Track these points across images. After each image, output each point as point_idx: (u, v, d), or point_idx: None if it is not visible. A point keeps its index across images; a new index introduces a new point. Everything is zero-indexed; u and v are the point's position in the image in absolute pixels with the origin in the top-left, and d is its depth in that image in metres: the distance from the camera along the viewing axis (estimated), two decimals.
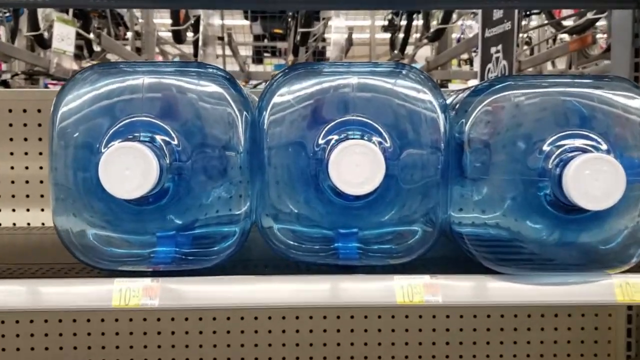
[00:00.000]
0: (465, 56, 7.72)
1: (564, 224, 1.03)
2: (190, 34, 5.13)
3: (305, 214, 1.05)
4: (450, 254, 1.15)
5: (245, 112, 1.04)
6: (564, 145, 1.00)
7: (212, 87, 1.03)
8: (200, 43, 4.17)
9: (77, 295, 1.02)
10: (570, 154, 0.98)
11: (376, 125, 1.00)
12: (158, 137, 0.98)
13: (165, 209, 1.03)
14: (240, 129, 1.02)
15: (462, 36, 7.18)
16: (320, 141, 1.00)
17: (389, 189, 1.00)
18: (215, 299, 1.03)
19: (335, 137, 1.00)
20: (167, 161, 0.96)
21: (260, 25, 5.67)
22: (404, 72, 1.06)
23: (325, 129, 1.01)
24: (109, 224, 1.05)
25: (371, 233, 1.08)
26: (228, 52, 5.98)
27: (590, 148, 1.00)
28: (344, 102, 1.01)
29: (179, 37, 4.83)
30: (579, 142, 1.00)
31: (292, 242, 1.08)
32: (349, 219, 1.05)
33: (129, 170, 0.90)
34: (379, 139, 0.99)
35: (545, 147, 1.01)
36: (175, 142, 0.99)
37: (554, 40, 6.40)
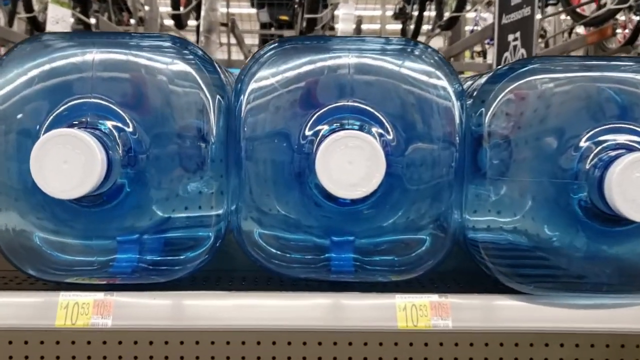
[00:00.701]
0: (478, 48, 7.50)
1: (601, 235, 0.85)
2: (193, 22, 4.94)
3: (290, 218, 0.87)
4: (463, 268, 0.97)
5: (218, 96, 0.86)
6: (605, 141, 0.82)
7: (179, 65, 0.85)
8: (201, 29, 3.99)
9: (10, 311, 0.84)
10: (614, 153, 0.79)
11: (377, 114, 0.82)
12: (109, 124, 0.80)
13: (122, 210, 0.85)
14: (212, 115, 0.84)
15: (475, 28, 6.97)
16: (308, 132, 0.82)
17: (392, 191, 0.82)
18: (183, 318, 0.85)
19: (326, 127, 0.82)
20: (119, 152, 0.79)
21: (267, 12, 5.48)
22: (414, 51, 0.87)
23: (314, 117, 0.83)
24: (56, 226, 0.87)
25: (370, 242, 0.90)
26: (233, 40, 5.79)
27: (637, 145, 0.81)
28: (339, 85, 0.83)
29: (179, 22, 4.64)
30: (623, 138, 0.82)
31: (274, 251, 0.90)
32: (343, 224, 0.87)
33: (67, 163, 0.72)
34: (380, 131, 0.81)
35: (582, 144, 0.82)
36: (131, 129, 0.81)
37: (570, 33, 6.18)
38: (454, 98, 0.84)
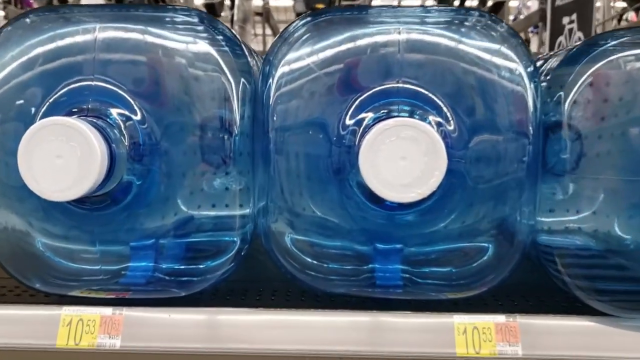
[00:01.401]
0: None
1: None
2: (226, 13, 4.81)
3: (327, 221, 0.73)
4: (530, 282, 0.82)
5: (244, 81, 0.72)
6: None
7: (200, 46, 0.71)
8: (235, 18, 3.86)
9: (4, 328, 0.72)
10: None
11: (434, 99, 0.67)
12: (114, 112, 0.67)
13: (133, 212, 0.73)
14: (235, 103, 0.71)
15: (519, 16, 6.71)
16: (348, 120, 0.68)
17: (451, 191, 0.68)
18: (204, 340, 0.72)
19: (371, 114, 0.67)
20: (125, 145, 0.66)
21: (303, 2, 5.33)
22: (476, 22, 0.72)
23: (357, 102, 0.68)
24: (60, 230, 0.75)
25: (421, 251, 0.75)
26: (268, 31, 5.65)
27: None
28: (387, 65, 0.69)
29: (213, 11, 4.51)
30: None
31: (309, 260, 0.76)
32: (391, 230, 0.73)
33: (61, 158, 0.59)
34: (438, 119, 0.66)
35: None
36: (139, 118, 0.68)
37: (619, 20, 5.90)
38: (526, 80, 0.69)
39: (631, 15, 5.23)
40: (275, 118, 0.71)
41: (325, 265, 0.76)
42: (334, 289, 0.77)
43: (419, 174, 0.59)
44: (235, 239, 0.73)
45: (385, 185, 0.59)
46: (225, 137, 0.70)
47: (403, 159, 0.59)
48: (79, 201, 0.66)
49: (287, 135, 0.71)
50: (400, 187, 0.58)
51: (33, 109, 0.68)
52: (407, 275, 0.76)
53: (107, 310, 0.73)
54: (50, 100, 0.67)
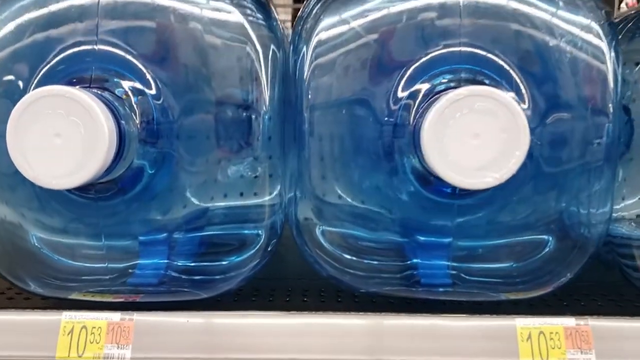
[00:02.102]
0: None
1: None
2: None
3: (369, 211, 0.63)
4: (599, 280, 0.71)
5: (274, 49, 0.61)
6: None
7: (220, 7, 0.59)
8: None
9: None
10: None
11: (503, 67, 0.55)
12: (122, 83, 0.55)
13: (144, 201, 0.61)
14: (264, 76, 0.59)
15: None
16: (401, 93, 0.57)
17: (521, 175, 0.56)
18: (228, 348, 0.61)
19: (426, 86, 0.56)
20: (136, 123, 0.54)
21: None
22: None
23: (410, 72, 0.57)
24: (58, 223, 0.63)
25: (477, 245, 0.64)
26: None
27: None
28: (447, 28, 0.57)
29: None
30: None
31: (344, 255, 0.65)
32: (442, 220, 0.62)
33: (60, 137, 0.48)
34: (509, 93, 0.55)
35: None
36: (154, 91, 0.56)
37: None
38: (605, 50, 0.58)
39: None
40: (310, 94, 0.59)
41: (363, 261, 0.65)
42: (373, 287, 0.66)
43: (496, 155, 0.47)
44: (263, 231, 0.63)
45: (454, 169, 0.47)
46: (253, 116, 0.59)
47: (476, 137, 0.48)
48: (81, 189, 0.55)
49: (325, 113, 0.59)
50: (473, 171, 0.47)
51: (22, 83, 0.56)
52: (456, 272, 0.65)
53: (115, 316, 0.62)
54: (44, 70, 0.55)
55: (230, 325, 0.61)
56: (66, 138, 0.47)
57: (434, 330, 0.61)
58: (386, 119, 0.57)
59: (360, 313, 0.61)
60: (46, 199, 0.58)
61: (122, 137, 0.51)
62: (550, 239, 0.63)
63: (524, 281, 0.64)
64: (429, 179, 0.55)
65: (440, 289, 0.65)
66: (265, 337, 0.60)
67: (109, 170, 0.50)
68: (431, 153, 0.47)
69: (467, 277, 0.65)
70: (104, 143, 0.47)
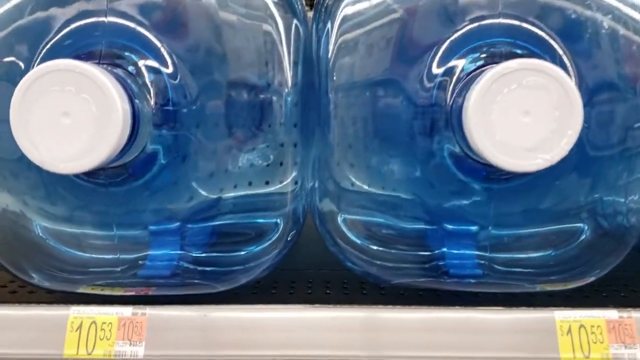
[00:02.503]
0: None
1: None
2: None
3: (399, 199, 0.58)
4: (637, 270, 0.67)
5: (297, 25, 0.56)
6: None
7: None
8: None
9: None
10: None
11: (548, 40, 0.51)
12: (137, 60, 0.51)
13: (156, 188, 0.57)
14: (286, 56, 0.55)
15: None
16: (436, 69, 0.52)
17: (565, 159, 0.52)
18: (249, 345, 0.57)
19: (462, 62, 0.52)
20: (151, 104, 0.50)
21: None
22: None
23: (444, 47, 0.52)
24: (64, 211, 0.59)
25: (510, 234, 0.60)
26: None
27: None
28: (482, 0, 0.53)
29: None
30: None
31: (370, 246, 0.60)
32: (476, 207, 0.58)
33: (69, 117, 0.43)
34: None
35: None
36: (170, 70, 0.52)
37: None
38: None
39: None
40: (335, 75, 0.55)
41: (388, 250, 0.61)
42: (399, 279, 0.62)
43: (547, 134, 0.43)
44: (281, 220, 0.58)
45: (502, 150, 0.43)
46: (275, 98, 0.54)
47: (526, 114, 0.43)
48: (91, 174, 0.50)
49: (352, 94, 0.55)
50: (522, 152, 0.43)
51: (23, 63, 0.52)
52: (487, 262, 0.61)
53: (126, 310, 0.57)
54: (49, 45, 0.50)
55: (251, 319, 0.56)
56: (76, 118, 0.43)
57: (469, 324, 0.57)
58: (419, 99, 0.52)
59: (390, 307, 0.57)
60: (52, 185, 0.54)
61: (135, 118, 0.46)
62: (587, 227, 0.59)
63: (561, 271, 0.60)
64: (465, 162, 0.51)
65: (471, 280, 0.61)
66: (289, 332, 0.56)
67: (122, 153, 0.45)
68: (476, 132, 0.43)
69: (498, 267, 0.61)
70: (118, 123, 0.42)
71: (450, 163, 0.52)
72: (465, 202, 0.57)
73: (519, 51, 0.50)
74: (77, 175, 0.50)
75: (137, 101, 0.46)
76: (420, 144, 0.53)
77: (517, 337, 0.57)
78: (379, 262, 0.61)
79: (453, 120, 0.48)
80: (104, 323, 0.56)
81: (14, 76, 0.53)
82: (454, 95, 0.49)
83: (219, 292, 0.58)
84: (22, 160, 0.54)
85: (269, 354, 0.55)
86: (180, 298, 0.58)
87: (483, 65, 0.49)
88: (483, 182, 0.53)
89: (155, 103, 0.50)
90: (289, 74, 0.55)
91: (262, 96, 0.55)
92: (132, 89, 0.46)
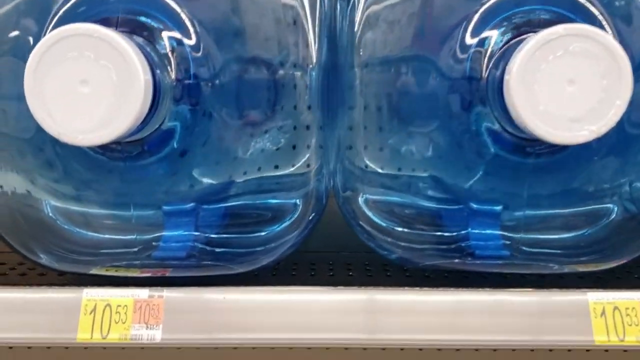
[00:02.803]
0: None
1: None
2: None
3: (420, 178, 0.56)
4: None
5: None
6: None
7: None
8: None
9: (7, 318, 0.54)
10: None
11: (588, 7, 0.48)
12: (157, 29, 0.48)
13: (173, 166, 0.54)
14: (311, 29, 0.52)
15: None
16: (470, 40, 0.50)
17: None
18: (271, 328, 0.54)
19: (499, 31, 0.49)
20: (172, 76, 0.47)
21: None
22: None
23: (478, 15, 0.50)
24: (75, 189, 0.57)
25: (540, 214, 0.58)
26: None
27: None
28: None
29: None
30: None
31: (393, 228, 0.58)
32: (506, 185, 0.56)
33: (87, 85, 0.41)
34: None
35: None
36: (192, 41, 0.49)
37: None
38: None
39: None
40: (362, 49, 0.52)
41: (412, 231, 0.59)
42: (424, 260, 0.60)
43: (594, 104, 0.41)
44: (304, 201, 0.56)
45: (546, 120, 0.41)
46: (298, 73, 0.52)
47: (571, 83, 0.41)
48: (107, 147, 0.48)
49: (379, 70, 0.53)
50: (567, 123, 0.41)
51: (32, 37, 0.49)
52: (514, 243, 0.59)
53: (142, 292, 0.55)
54: (60, 12, 0.48)
55: (273, 301, 0.54)
56: (95, 86, 0.40)
57: (498, 306, 0.55)
58: (452, 72, 0.50)
59: (417, 289, 0.55)
60: (66, 159, 0.51)
61: (156, 89, 0.43)
62: (616, 208, 0.57)
63: (591, 252, 0.58)
64: (500, 137, 0.49)
65: (498, 262, 0.59)
66: (312, 315, 0.54)
67: (143, 124, 0.43)
68: (519, 102, 0.40)
69: (525, 248, 0.59)
70: (140, 92, 0.40)
71: (484, 138, 0.50)
72: (496, 179, 0.55)
73: (557, 19, 0.48)
74: (92, 149, 0.47)
75: (158, 71, 0.44)
76: (453, 119, 0.51)
77: (548, 320, 0.55)
78: (403, 244, 0.59)
79: (490, 92, 0.46)
80: (119, 306, 0.54)
81: (22, 51, 0.50)
82: (489, 67, 0.47)
83: (238, 274, 0.56)
84: (33, 138, 0.52)
85: (292, 337, 0.53)
86: (198, 280, 0.55)
87: (518, 35, 0.47)
88: (518, 157, 0.51)
89: (176, 76, 0.48)
90: (313, 49, 0.53)
91: (285, 72, 0.53)
92: (153, 58, 0.44)
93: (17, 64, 0.49)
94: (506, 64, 0.43)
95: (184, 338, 0.54)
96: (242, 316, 0.54)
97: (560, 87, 0.41)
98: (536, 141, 0.46)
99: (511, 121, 0.44)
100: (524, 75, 0.40)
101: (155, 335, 0.53)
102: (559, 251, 0.59)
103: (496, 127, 0.48)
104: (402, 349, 0.68)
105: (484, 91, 0.47)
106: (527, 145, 0.47)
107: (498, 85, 0.43)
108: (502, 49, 0.46)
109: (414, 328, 0.53)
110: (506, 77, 0.41)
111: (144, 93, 0.40)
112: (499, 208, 0.59)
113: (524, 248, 0.59)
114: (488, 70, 0.46)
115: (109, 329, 0.54)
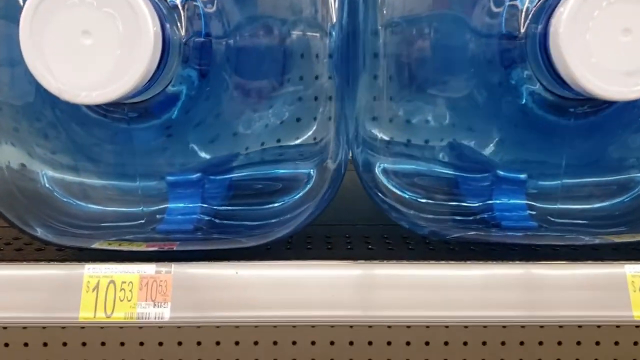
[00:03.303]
0: None
1: None
2: None
3: (451, 145, 0.53)
4: None
5: None
6: None
7: None
8: None
9: (5, 295, 0.51)
10: None
11: None
12: None
13: (179, 132, 0.51)
14: None
15: None
16: None
17: None
18: (285, 305, 0.51)
19: None
20: (183, 33, 0.43)
21: None
22: None
23: None
24: (74, 158, 0.53)
25: (573, 183, 0.55)
26: None
27: None
28: None
29: None
30: None
31: (417, 200, 0.55)
32: (540, 150, 0.52)
33: (90, 36, 0.36)
34: None
35: None
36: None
37: None
38: None
39: None
40: (386, 7, 0.48)
41: (438, 202, 0.55)
42: (447, 232, 0.57)
43: None
44: (316, 171, 0.52)
45: (598, 74, 0.37)
46: (319, 35, 0.48)
47: (627, 33, 0.37)
48: (110, 109, 0.44)
49: (404, 30, 0.48)
50: (623, 77, 0.37)
51: None
52: (542, 213, 0.56)
53: (149, 268, 0.51)
54: None
55: (289, 277, 0.51)
56: (98, 37, 0.36)
57: (530, 280, 0.52)
58: (486, 29, 0.46)
59: (444, 263, 0.52)
60: (65, 124, 0.47)
61: (165, 44, 0.39)
62: None
63: (625, 222, 0.55)
64: (540, 98, 0.45)
65: (527, 233, 0.56)
66: (334, 290, 0.50)
67: (150, 82, 0.39)
68: (568, 55, 0.37)
69: (554, 219, 0.56)
70: (149, 42, 0.35)
71: (521, 100, 0.46)
72: (530, 145, 0.52)
73: None
74: (94, 109, 0.43)
75: (167, 25, 0.39)
76: (487, 80, 0.47)
77: (584, 293, 0.51)
78: (424, 215, 0.55)
79: (529, 47, 0.42)
80: (124, 282, 0.51)
81: (12, 11, 0.46)
82: (528, 20, 0.43)
83: (249, 249, 0.53)
84: (30, 105, 0.48)
85: (314, 315, 0.49)
86: (207, 254, 0.52)
87: None
88: (557, 118, 0.47)
89: (186, 32, 0.44)
90: (334, 7, 0.49)
91: (301, 32, 0.49)
92: (161, 9, 0.40)
93: (8, 27, 0.45)
94: (549, 15, 0.39)
95: (194, 316, 0.50)
96: (256, 292, 0.51)
97: (614, 38, 0.37)
98: (578, 100, 0.43)
99: (554, 78, 0.40)
100: (574, 24, 0.37)
101: (163, 313, 0.50)
102: (590, 222, 0.56)
103: (536, 86, 0.44)
104: (427, 327, 0.65)
105: (523, 47, 0.43)
106: (568, 106, 0.44)
107: (540, 39, 0.39)
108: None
109: (446, 304, 0.50)
110: (553, 27, 0.37)
111: (154, 46, 0.36)
112: (524, 176, 0.55)
113: (553, 219, 0.56)
114: (528, 24, 0.43)
115: (113, 307, 0.50)
